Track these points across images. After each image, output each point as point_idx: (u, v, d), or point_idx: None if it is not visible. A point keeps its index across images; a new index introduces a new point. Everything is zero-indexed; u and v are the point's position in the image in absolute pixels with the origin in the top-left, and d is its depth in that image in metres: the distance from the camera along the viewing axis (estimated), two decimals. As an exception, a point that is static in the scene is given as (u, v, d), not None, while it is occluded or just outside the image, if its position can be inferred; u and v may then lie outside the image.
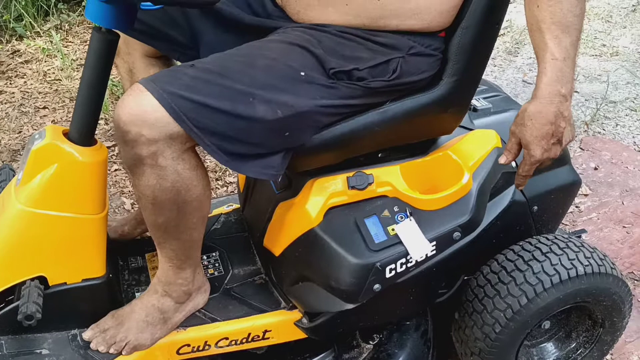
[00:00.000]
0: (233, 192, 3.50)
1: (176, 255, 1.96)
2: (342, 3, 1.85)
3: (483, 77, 2.07)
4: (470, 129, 2.20)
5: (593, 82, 4.86)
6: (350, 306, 1.98)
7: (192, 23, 2.03)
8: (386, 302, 2.05)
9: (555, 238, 2.15)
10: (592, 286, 2.11)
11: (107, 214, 2.00)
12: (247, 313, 2.13)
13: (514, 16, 5.55)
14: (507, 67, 5.05)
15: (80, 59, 4.80)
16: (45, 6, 5.24)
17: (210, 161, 3.64)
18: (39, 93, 4.40)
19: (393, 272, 1.96)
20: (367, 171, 1.99)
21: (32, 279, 1.93)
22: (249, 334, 2.10)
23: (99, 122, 3.80)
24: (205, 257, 2.30)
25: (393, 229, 1.97)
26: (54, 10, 5.28)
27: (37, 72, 4.63)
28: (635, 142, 4.17)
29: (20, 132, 3.98)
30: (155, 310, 2.02)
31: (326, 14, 1.90)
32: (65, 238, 1.93)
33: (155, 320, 2.02)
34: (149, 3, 1.73)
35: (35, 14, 5.16)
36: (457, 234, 2.01)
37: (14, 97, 4.31)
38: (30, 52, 4.86)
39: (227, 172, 3.67)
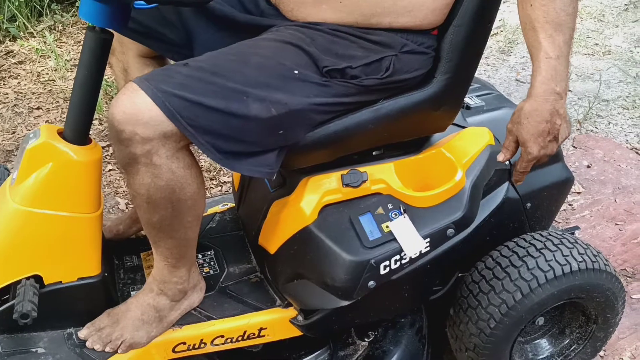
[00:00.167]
0: (227, 191, 3.51)
1: (171, 254, 1.96)
2: (335, 0, 1.86)
3: (476, 75, 2.08)
4: (463, 127, 2.21)
5: (586, 80, 4.88)
6: (345, 303, 1.98)
7: (185, 22, 2.03)
8: (381, 299, 2.06)
9: (549, 234, 2.16)
10: (586, 282, 2.12)
11: (102, 212, 2.00)
12: (242, 311, 2.13)
13: (507, 16, 5.57)
14: (500, 66, 5.06)
15: (74, 59, 4.80)
16: (38, 7, 5.25)
17: (204, 160, 3.65)
18: (33, 93, 4.40)
19: (387, 268, 1.97)
20: (361, 169, 2.00)
21: (28, 278, 1.93)
22: (245, 332, 2.10)
23: (93, 122, 3.81)
24: (200, 255, 2.31)
25: (387, 226, 1.98)
26: (48, 10, 5.28)
27: (31, 72, 4.63)
28: (627, 140, 4.18)
29: (14, 132, 3.99)
30: (151, 308, 2.03)
31: (319, 12, 1.90)
32: (60, 237, 1.94)
33: (151, 318, 2.02)
34: (142, 2, 1.74)
35: (29, 14, 5.16)
36: (450, 231, 2.02)
37: (7, 97, 4.31)
38: (24, 53, 4.86)
39: (222, 172, 3.67)
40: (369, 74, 1.87)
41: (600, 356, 2.55)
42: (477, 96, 2.39)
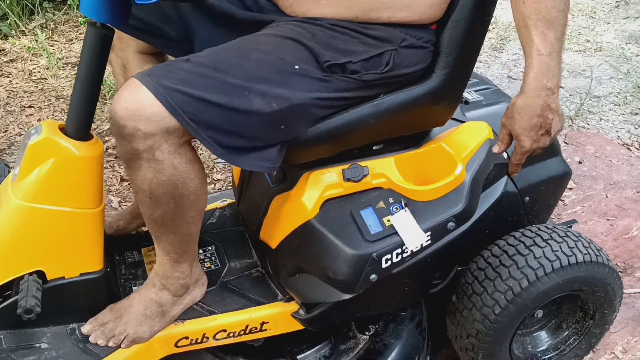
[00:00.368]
0: (221, 188, 3.52)
1: (173, 249, 1.97)
2: None
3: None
4: (462, 121, 2.22)
5: (577, 77, 4.91)
6: (347, 296, 1.99)
7: (185, 18, 2.04)
8: (382, 292, 2.07)
9: (555, 227, 2.20)
10: (590, 275, 2.15)
11: (104, 208, 2.01)
12: (244, 305, 2.14)
13: (499, 12, 5.59)
14: (492, 63, 5.08)
15: (66, 57, 4.81)
16: (30, 5, 5.24)
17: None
18: (25, 92, 4.40)
19: (389, 262, 1.98)
20: (362, 163, 2.02)
21: (30, 274, 1.94)
22: (247, 326, 2.11)
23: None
24: (201, 251, 2.31)
25: (388, 220, 1.99)
26: (39, 9, 5.28)
27: (23, 71, 4.63)
28: (619, 136, 4.21)
29: (6, 131, 3.98)
30: (154, 303, 2.03)
31: (318, 7, 1.91)
32: (62, 232, 1.94)
33: (153, 313, 2.03)
34: None
35: (20, 12, 5.16)
36: (451, 224, 2.03)
37: (-1, 96, 4.32)
38: (16, 51, 4.86)
39: (215, 169, 3.68)
40: (369, 68, 1.88)
41: (592, 350, 2.56)
42: (475, 91, 2.41)
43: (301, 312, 2.13)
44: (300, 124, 1.85)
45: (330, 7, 1.90)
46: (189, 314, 2.10)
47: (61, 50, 4.92)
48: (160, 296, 2.04)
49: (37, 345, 1.97)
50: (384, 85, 1.93)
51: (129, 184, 3.52)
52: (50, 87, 4.45)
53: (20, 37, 5.00)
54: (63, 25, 5.30)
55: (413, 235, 1.98)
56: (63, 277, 1.98)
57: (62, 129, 1.93)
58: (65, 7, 5.40)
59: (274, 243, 2.12)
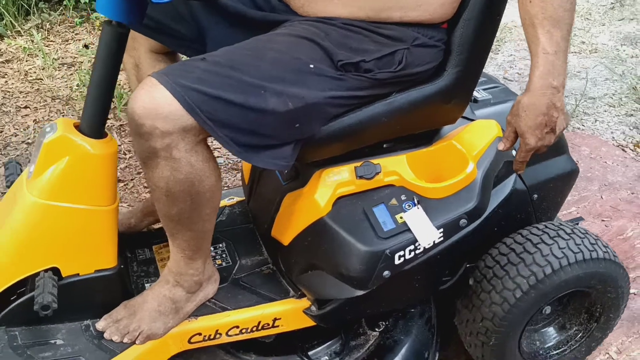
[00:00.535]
0: (228, 187, 3.53)
1: (188, 246, 1.99)
2: None
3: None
4: (472, 120, 2.24)
5: (572, 78, 4.94)
6: (360, 293, 2.02)
7: (197, 18, 2.06)
8: (394, 289, 2.09)
9: (576, 226, 2.24)
10: (607, 272, 2.20)
11: (118, 205, 2.02)
12: (256, 302, 2.16)
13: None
14: (488, 64, 5.10)
15: (62, 58, 4.82)
16: (26, 5, 5.25)
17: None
18: (20, 92, 4.41)
19: (402, 258, 2.01)
20: (375, 161, 2.04)
21: (46, 270, 1.95)
22: (259, 322, 2.13)
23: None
24: (212, 248, 2.33)
25: (401, 217, 2.01)
26: (35, 9, 5.28)
27: (18, 71, 4.63)
28: (613, 137, 4.23)
29: (1, 131, 3.99)
30: (167, 300, 2.05)
31: (330, 7, 1.94)
32: (77, 229, 1.96)
33: (167, 309, 2.04)
34: None
35: (16, 13, 5.17)
36: (463, 221, 2.06)
37: (-6, 96, 4.34)
38: (11, 52, 4.86)
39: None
40: (382, 67, 1.90)
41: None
42: (484, 89, 2.43)
43: (313, 308, 2.14)
44: (314, 122, 1.87)
45: (342, 7, 1.92)
46: (202, 310, 2.12)
47: (57, 51, 4.93)
48: (174, 293, 2.06)
49: (53, 341, 1.98)
50: (396, 84, 1.95)
51: (124, 185, 3.54)
52: (46, 87, 4.46)
53: (15, 38, 5.01)
54: (59, 25, 5.31)
55: (426, 232, 2.00)
56: (78, 274, 1.99)
57: (77, 127, 1.95)
58: (61, 8, 5.41)
59: (286, 240, 2.14)
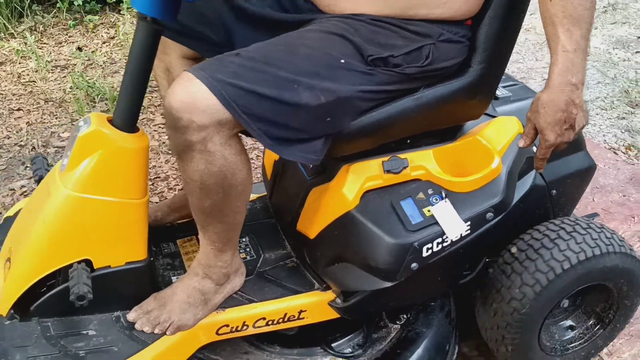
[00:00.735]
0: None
1: (219, 238, 2.02)
2: None
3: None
4: (493, 116, 2.29)
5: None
6: (388, 284, 2.05)
7: (225, 22, 2.10)
8: (418, 282, 2.13)
9: (602, 223, 2.32)
10: (624, 265, 2.25)
11: (149, 199, 2.06)
12: (282, 294, 2.19)
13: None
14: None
15: (55, 60, 4.84)
16: (19, 7, 5.28)
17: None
18: (13, 95, 4.44)
19: (430, 251, 2.05)
20: (402, 155, 2.08)
21: (79, 262, 1.98)
22: (285, 314, 2.17)
23: (75, 123, 3.86)
24: (237, 241, 2.36)
25: (429, 210, 2.05)
26: (29, 11, 5.32)
27: (11, 73, 4.66)
28: (605, 140, 4.26)
29: (-5, 133, 4.03)
30: (197, 291, 2.08)
31: (357, 5, 1.98)
32: (110, 222, 1.99)
33: (196, 301, 2.08)
34: None
35: (9, 15, 5.20)
36: (490, 215, 2.10)
37: (-13, 99, 4.36)
38: (4, 54, 4.89)
39: None
40: (410, 62, 1.95)
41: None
42: (504, 87, 2.47)
43: (338, 300, 2.18)
44: (345, 116, 1.91)
45: (369, 5, 1.96)
46: (229, 302, 2.15)
47: (50, 53, 4.96)
48: (203, 285, 2.09)
49: (85, 332, 2.01)
50: (424, 79, 1.99)
51: None
52: (39, 90, 4.48)
53: (9, 40, 5.04)
54: (52, 28, 5.35)
55: (453, 225, 2.04)
56: (109, 266, 2.03)
57: (110, 121, 1.98)
58: (55, 10, 5.45)
59: (312, 234, 2.18)
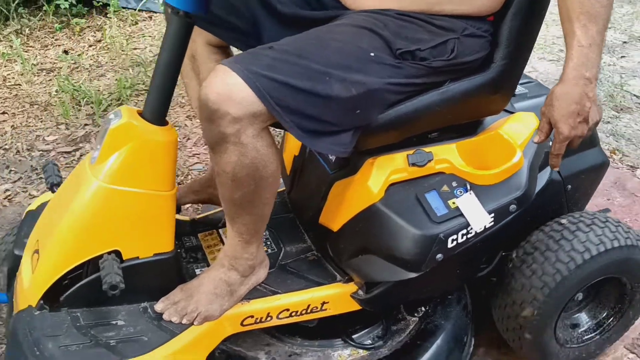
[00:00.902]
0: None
1: (247, 230, 2.06)
2: None
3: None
4: (511, 112, 2.34)
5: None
6: (413, 275, 2.09)
7: (254, 12, 2.14)
8: (439, 275, 2.17)
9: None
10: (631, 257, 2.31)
11: (176, 192, 2.09)
12: (305, 286, 2.23)
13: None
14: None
15: (41, 63, 4.85)
16: (5, 10, 5.27)
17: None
18: (-1, 98, 4.44)
19: (454, 242, 2.09)
20: (426, 149, 2.12)
21: (109, 253, 2.00)
22: (309, 306, 2.20)
23: (60, 127, 3.93)
24: (258, 235, 2.39)
25: (454, 202, 2.10)
26: (14, 14, 5.32)
27: (-3, 76, 4.66)
28: (590, 144, 4.31)
29: (-21, 137, 4.04)
30: (223, 283, 2.12)
31: (383, 2, 2.03)
32: (139, 213, 2.02)
33: (223, 292, 2.11)
34: None
35: (-5, 18, 5.19)
36: (513, 207, 2.15)
37: (-27, 102, 4.36)
38: (-10, 57, 4.89)
39: (190, 176, 3.76)
40: (436, 56, 2.00)
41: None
42: (520, 84, 2.52)
43: (360, 292, 2.22)
44: (373, 109, 1.96)
45: (395, 1, 2.01)
46: (253, 294, 2.18)
47: (36, 56, 4.96)
48: (229, 276, 2.12)
49: (114, 322, 2.04)
50: (449, 72, 2.04)
51: None
52: (25, 93, 4.48)
53: (-6, 43, 5.03)
54: (38, 31, 5.35)
55: (478, 217, 2.09)
56: (137, 257, 2.05)
57: (140, 115, 2.01)
58: (41, 13, 5.46)
59: (335, 226, 2.22)
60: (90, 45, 5.22)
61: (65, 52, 5.06)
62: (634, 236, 2.28)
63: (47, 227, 2.10)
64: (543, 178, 2.28)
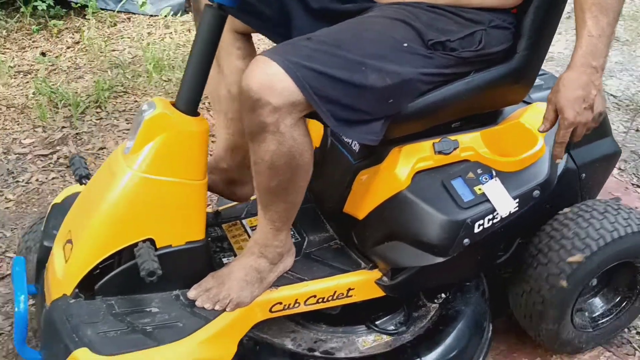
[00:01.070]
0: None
1: (279, 217, 2.10)
2: None
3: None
4: (528, 102, 2.40)
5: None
6: (440, 260, 2.16)
7: (284, 2, 2.19)
8: (462, 261, 2.24)
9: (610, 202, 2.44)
10: None
11: (207, 181, 2.13)
12: (330, 273, 2.28)
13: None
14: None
15: (18, 65, 4.82)
16: (-19, 12, 5.23)
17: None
18: (-25, 100, 4.42)
19: (481, 227, 2.16)
20: (452, 137, 2.18)
21: (143, 241, 2.04)
22: (335, 292, 2.25)
23: (37, 129, 3.93)
24: (281, 225, 2.44)
25: (480, 189, 2.17)
26: (-9, 16, 5.28)
27: (-27, 79, 4.64)
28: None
29: (-46, 138, 4.03)
30: (253, 270, 2.16)
31: None
32: (173, 202, 2.06)
33: (253, 279, 2.16)
34: None
35: (-29, 20, 5.17)
36: (536, 192, 2.23)
37: (-51, 104, 4.35)
38: (-34, 59, 4.86)
39: None
40: (465, 46, 2.06)
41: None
42: (535, 76, 2.59)
43: (385, 279, 2.28)
44: (405, 98, 2.02)
45: None
46: (281, 281, 2.23)
47: (13, 59, 4.93)
48: (259, 263, 2.17)
49: (148, 309, 2.07)
50: (476, 63, 2.11)
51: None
52: (1, 95, 4.45)
53: (-29, 45, 5.01)
54: (16, 33, 5.31)
55: (504, 202, 2.15)
56: (170, 245, 2.09)
57: (174, 106, 2.05)
58: (18, 15, 5.42)
59: (361, 214, 2.27)
60: (69, 47, 5.18)
61: (43, 54, 5.02)
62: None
63: (80, 217, 2.13)
64: (559, 167, 2.35)
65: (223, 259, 2.32)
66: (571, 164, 2.38)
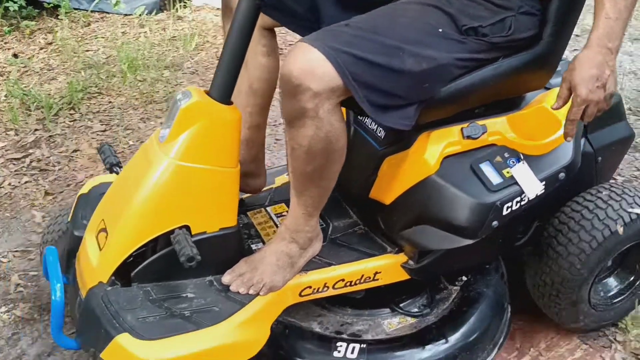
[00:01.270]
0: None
1: (312, 202, 2.14)
2: None
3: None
4: (548, 88, 2.45)
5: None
6: (469, 242, 2.22)
7: None
8: (485, 244, 2.29)
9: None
10: None
11: (239, 169, 2.16)
12: (357, 257, 2.33)
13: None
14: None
15: (3, 66, 4.80)
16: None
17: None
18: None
19: (509, 209, 2.22)
20: (480, 122, 2.23)
21: (180, 228, 2.07)
22: (362, 276, 2.30)
23: (9, 132, 3.91)
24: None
25: (508, 172, 2.22)
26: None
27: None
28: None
29: None
30: (284, 255, 2.20)
31: None
32: (208, 189, 2.09)
33: (285, 264, 2.19)
34: None
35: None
36: (562, 175, 2.29)
37: None
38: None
39: None
40: (496, 32, 2.11)
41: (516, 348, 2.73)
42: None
43: (410, 262, 2.33)
44: (439, 83, 2.07)
45: None
46: (310, 265, 2.27)
47: None
48: (290, 248, 2.20)
49: (184, 295, 2.11)
50: (505, 49, 2.15)
51: (53, 198, 3.54)
52: None
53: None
54: None
55: (532, 185, 2.21)
56: (205, 232, 2.12)
57: (208, 94, 2.08)
58: None
59: (388, 200, 2.31)
60: (41, 48, 5.13)
61: (15, 55, 4.98)
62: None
63: (115, 206, 2.15)
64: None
65: (252, 246, 2.35)
66: (588, 148, 2.44)
